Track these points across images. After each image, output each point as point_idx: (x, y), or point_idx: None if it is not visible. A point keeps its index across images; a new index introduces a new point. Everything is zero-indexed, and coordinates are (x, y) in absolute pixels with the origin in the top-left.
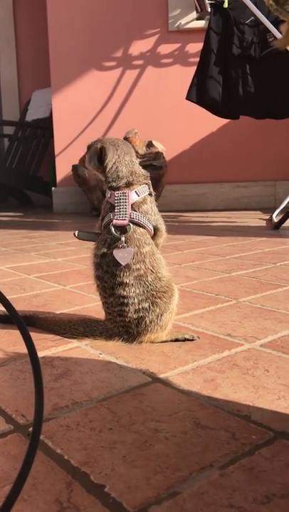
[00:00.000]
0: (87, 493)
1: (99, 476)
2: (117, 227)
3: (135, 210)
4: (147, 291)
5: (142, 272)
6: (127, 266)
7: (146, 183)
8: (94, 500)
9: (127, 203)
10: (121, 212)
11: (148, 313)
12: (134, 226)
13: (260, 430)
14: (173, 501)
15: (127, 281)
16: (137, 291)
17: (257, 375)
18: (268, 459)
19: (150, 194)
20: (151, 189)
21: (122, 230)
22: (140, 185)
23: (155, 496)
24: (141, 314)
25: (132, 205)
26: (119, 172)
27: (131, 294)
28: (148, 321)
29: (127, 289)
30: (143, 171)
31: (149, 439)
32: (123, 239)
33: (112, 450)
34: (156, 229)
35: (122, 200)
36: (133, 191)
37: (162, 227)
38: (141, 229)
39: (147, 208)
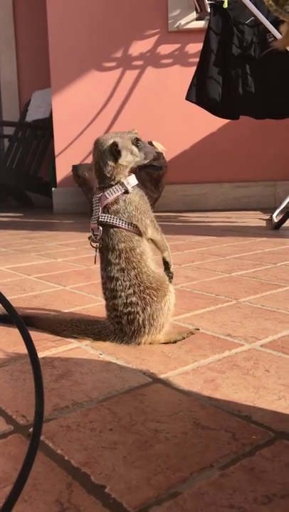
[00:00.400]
0: (88, 494)
1: (99, 477)
2: (93, 230)
3: (105, 212)
4: (133, 284)
5: (123, 265)
6: (110, 261)
7: (120, 182)
8: (94, 500)
9: (98, 207)
10: (93, 216)
11: (137, 309)
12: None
13: (261, 430)
14: (173, 501)
15: (112, 275)
16: (124, 284)
17: (257, 376)
18: (269, 459)
19: (126, 191)
20: (129, 186)
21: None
22: (110, 187)
23: (155, 497)
24: (130, 309)
25: (105, 207)
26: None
27: (118, 287)
28: (140, 320)
29: (114, 282)
30: (112, 172)
31: (150, 439)
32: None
33: (113, 450)
34: (136, 227)
35: (95, 205)
36: (104, 194)
37: (141, 224)
38: (115, 228)
39: (118, 208)
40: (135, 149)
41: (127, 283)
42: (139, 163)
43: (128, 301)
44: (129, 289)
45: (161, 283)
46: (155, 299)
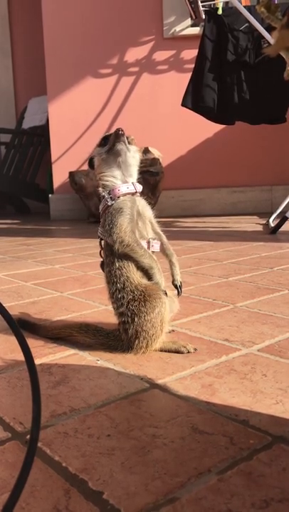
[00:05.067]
0: (86, 500)
1: (97, 483)
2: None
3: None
4: (119, 298)
5: (109, 279)
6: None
7: (105, 192)
8: (92, 507)
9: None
10: None
11: (128, 319)
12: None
13: (258, 435)
14: (171, 507)
15: (106, 285)
16: (114, 295)
17: (255, 380)
18: (266, 463)
19: (108, 205)
20: (108, 200)
21: None
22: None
23: (153, 502)
24: (123, 319)
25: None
26: None
27: (112, 298)
28: (132, 330)
29: (109, 293)
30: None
31: (147, 445)
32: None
33: (110, 456)
34: None
35: None
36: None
37: (108, 240)
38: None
39: (102, 222)
40: (98, 149)
41: (115, 295)
42: (108, 161)
43: (120, 311)
44: (118, 300)
45: (149, 295)
46: (143, 309)
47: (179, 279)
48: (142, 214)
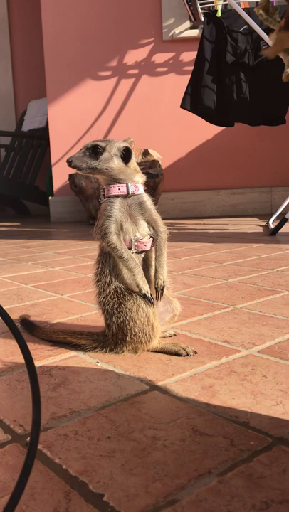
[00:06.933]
0: (86, 503)
1: (97, 485)
2: None
3: None
4: (100, 293)
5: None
6: None
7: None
8: (93, 509)
9: None
10: None
11: (111, 318)
12: None
13: (259, 436)
14: (172, 509)
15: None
16: (98, 290)
17: (255, 381)
18: (267, 465)
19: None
20: (102, 197)
21: None
22: None
23: (154, 504)
24: (105, 315)
25: None
26: None
27: (97, 293)
28: (114, 329)
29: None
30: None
31: (148, 447)
32: None
33: (111, 458)
34: None
35: None
36: None
37: (96, 236)
38: None
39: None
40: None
41: (99, 290)
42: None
43: (102, 308)
44: (99, 296)
45: (128, 296)
46: (123, 308)
47: (160, 282)
48: (133, 216)
